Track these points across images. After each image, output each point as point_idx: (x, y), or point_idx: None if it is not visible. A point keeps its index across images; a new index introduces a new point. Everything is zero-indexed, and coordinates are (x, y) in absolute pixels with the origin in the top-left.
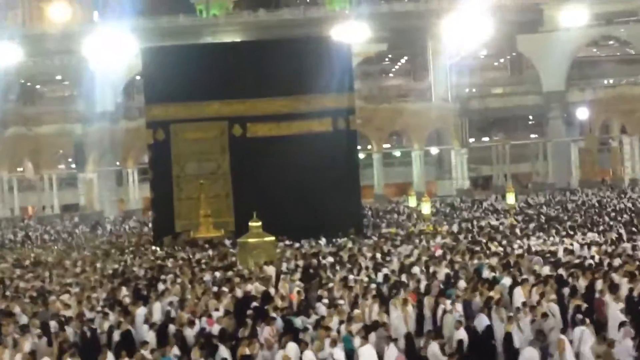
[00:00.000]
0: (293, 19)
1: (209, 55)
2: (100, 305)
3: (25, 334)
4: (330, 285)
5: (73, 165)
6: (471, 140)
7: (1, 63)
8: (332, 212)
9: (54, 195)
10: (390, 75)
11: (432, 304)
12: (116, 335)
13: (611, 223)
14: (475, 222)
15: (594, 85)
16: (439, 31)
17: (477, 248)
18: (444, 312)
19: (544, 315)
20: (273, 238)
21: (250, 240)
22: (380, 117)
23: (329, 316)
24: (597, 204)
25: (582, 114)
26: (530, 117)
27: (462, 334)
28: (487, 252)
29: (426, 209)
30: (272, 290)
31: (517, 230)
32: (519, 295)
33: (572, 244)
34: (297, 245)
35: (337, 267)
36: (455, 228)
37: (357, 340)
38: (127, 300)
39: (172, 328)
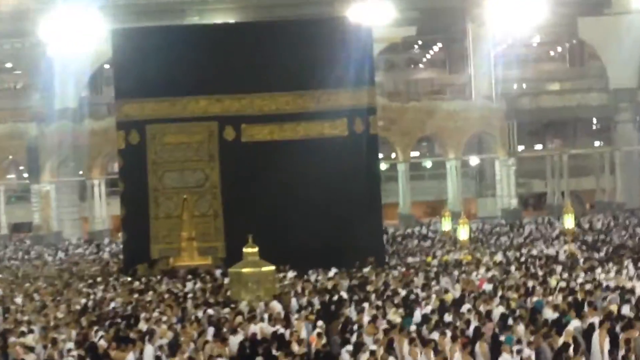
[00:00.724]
0: None
1: (195, 40)
2: (69, 350)
3: None
4: (357, 326)
5: (25, 175)
6: (520, 148)
7: None
8: (347, 236)
9: (1, 212)
10: (421, 66)
11: (486, 351)
12: None
13: None
14: (525, 250)
15: None
16: (482, 12)
17: (533, 283)
18: None
19: None
20: (273, 267)
21: (244, 270)
22: (407, 119)
23: None
24: None
25: None
26: (594, 121)
27: None
28: (547, 287)
29: (463, 233)
30: (283, 332)
31: (580, 261)
32: (600, 342)
33: None
34: (305, 277)
35: (363, 304)
36: (499, 257)
37: None
38: (103, 342)
39: None
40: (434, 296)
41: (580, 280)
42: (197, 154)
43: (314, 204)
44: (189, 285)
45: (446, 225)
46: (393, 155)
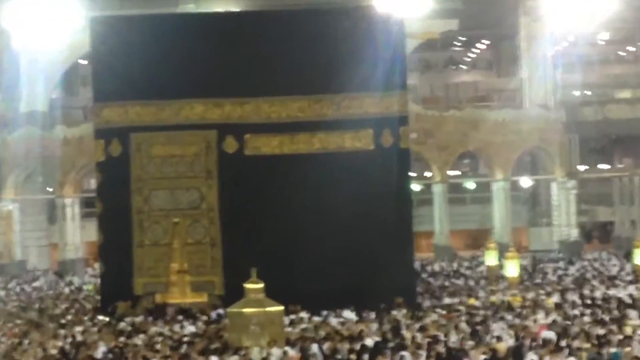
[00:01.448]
0: None
1: (190, 32)
2: None
3: None
4: None
5: None
6: (582, 168)
7: None
8: (371, 271)
9: None
10: (463, 67)
11: None
12: None
13: None
14: (587, 291)
15: None
16: (538, 4)
17: (603, 330)
18: None
19: None
20: (281, 308)
21: (246, 310)
22: (445, 131)
23: None
24: None
25: None
26: None
27: None
28: (622, 336)
29: (512, 269)
30: None
31: None
32: None
33: None
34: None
35: (401, 353)
36: (555, 298)
37: None
38: None
39: None
40: (482, 345)
41: None
42: (192, 169)
43: (330, 231)
44: (187, 327)
45: (491, 259)
46: (428, 174)
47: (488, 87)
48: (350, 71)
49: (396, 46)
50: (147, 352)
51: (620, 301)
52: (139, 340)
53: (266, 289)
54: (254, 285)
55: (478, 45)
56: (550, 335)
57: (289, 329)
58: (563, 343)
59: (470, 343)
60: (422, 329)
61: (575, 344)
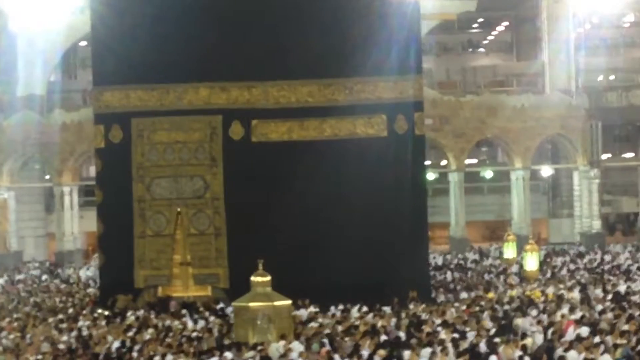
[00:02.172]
0: None
1: (195, 11)
2: None
3: None
4: None
5: None
6: (606, 156)
7: None
8: (384, 263)
9: None
10: (481, 50)
11: None
12: None
13: None
14: (609, 286)
15: None
16: None
17: (628, 327)
18: None
19: None
20: (289, 301)
21: (252, 304)
22: (462, 117)
23: None
24: None
25: None
26: None
27: None
28: None
29: (532, 262)
30: None
31: None
32: None
33: None
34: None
35: (429, 349)
36: (576, 294)
37: None
38: None
39: None
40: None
41: None
42: (196, 157)
43: (341, 222)
44: (194, 321)
45: (509, 251)
46: (444, 162)
47: (507, 71)
48: (363, 54)
49: (411, 28)
50: (160, 347)
51: None
52: (148, 334)
53: (273, 282)
54: (260, 278)
55: (497, 27)
56: (584, 331)
57: (312, 324)
58: (597, 339)
59: (496, 340)
60: (445, 325)
61: (609, 340)
